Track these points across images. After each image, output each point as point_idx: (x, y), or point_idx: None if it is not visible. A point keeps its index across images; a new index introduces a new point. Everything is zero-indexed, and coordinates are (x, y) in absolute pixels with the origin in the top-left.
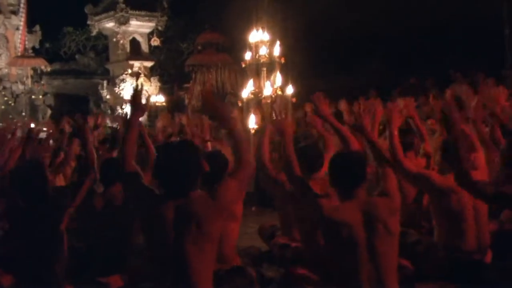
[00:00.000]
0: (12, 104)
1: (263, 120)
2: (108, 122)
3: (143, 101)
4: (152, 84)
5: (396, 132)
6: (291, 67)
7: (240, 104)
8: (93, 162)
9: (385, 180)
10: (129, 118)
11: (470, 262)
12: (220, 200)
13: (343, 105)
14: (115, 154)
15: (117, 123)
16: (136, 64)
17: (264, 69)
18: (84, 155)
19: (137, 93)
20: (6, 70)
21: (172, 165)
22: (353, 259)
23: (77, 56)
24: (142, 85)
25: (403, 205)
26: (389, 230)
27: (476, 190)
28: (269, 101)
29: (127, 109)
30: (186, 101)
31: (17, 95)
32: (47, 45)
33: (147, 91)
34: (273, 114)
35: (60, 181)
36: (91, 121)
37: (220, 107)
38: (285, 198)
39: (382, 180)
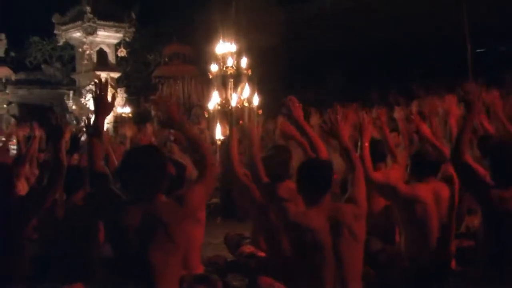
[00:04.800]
0: None
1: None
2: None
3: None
4: (118, 95)
5: (367, 143)
6: (257, 79)
7: (206, 116)
8: (62, 171)
9: (353, 186)
10: (95, 116)
11: (434, 270)
12: (188, 205)
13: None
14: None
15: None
16: (103, 75)
17: (231, 81)
18: (52, 163)
19: (102, 88)
20: None
21: (139, 168)
22: (318, 265)
23: (43, 66)
24: (106, 80)
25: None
26: (354, 235)
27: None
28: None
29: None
30: (153, 113)
31: None
32: (13, 54)
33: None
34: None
35: (23, 188)
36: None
37: (179, 117)
38: (254, 205)
39: (351, 186)
